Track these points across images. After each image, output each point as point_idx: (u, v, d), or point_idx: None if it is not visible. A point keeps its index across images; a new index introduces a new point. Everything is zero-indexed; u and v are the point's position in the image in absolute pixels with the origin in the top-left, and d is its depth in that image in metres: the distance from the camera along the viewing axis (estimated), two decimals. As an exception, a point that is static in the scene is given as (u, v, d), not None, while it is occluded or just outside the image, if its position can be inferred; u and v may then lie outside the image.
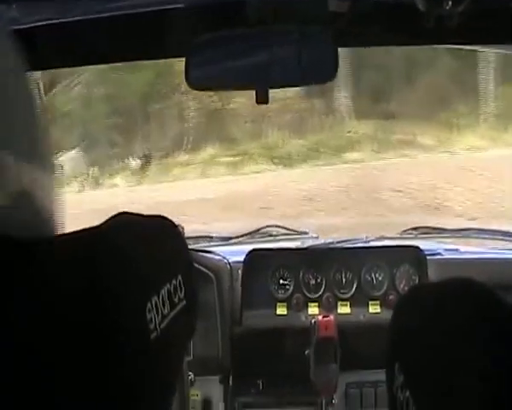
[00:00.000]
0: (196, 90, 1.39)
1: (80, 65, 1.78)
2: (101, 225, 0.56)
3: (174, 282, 0.60)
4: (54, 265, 0.47)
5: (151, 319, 0.53)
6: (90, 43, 1.38)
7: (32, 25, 1.21)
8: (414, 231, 2.29)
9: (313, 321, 1.94)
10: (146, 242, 0.59)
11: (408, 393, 0.63)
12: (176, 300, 0.60)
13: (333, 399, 1.97)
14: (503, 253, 2.22)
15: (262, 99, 1.34)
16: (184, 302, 0.62)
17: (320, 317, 1.94)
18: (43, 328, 0.44)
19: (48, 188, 0.58)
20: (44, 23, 1.24)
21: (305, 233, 2.34)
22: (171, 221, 0.66)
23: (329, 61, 1.29)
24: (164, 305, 0.57)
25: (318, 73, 1.34)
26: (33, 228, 0.53)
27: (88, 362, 0.45)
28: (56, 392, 0.43)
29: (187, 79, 1.29)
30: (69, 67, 1.55)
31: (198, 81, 1.33)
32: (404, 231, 2.30)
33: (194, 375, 1.82)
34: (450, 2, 1.13)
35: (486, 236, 2.29)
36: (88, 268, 0.48)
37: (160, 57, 1.64)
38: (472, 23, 1.19)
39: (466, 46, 1.55)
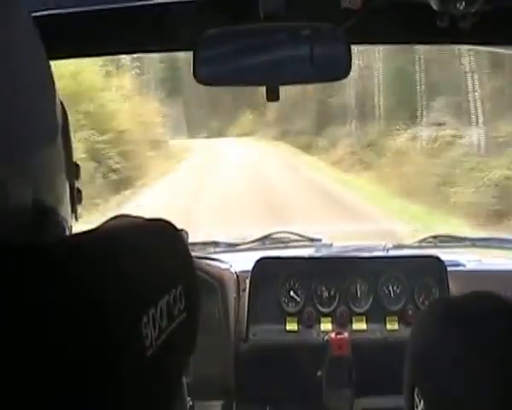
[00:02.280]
0: (203, 84, 1.53)
1: (89, 56, 1.93)
2: (98, 228, 0.60)
3: (174, 292, 0.61)
4: (46, 270, 0.47)
5: (147, 334, 0.53)
6: (100, 35, 1.55)
7: (48, 13, 1.36)
8: (433, 240, 2.43)
9: (326, 339, 2.07)
10: (144, 248, 0.60)
11: None
12: (175, 312, 0.60)
13: None
14: None
15: (272, 96, 1.51)
16: (184, 315, 0.62)
17: (333, 334, 2.07)
18: (33, 338, 0.44)
19: (62, 187, 0.63)
20: (56, 12, 1.40)
21: (319, 240, 2.47)
22: (173, 226, 0.67)
23: (342, 59, 1.45)
24: (162, 318, 0.57)
25: (331, 70, 1.50)
26: (42, 229, 0.57)
27: (74, 381, 0.45)
28: (43, 402, 0.44)
29: (194, 73, 1.44)
30: (79, 57, 1.72)
31: (206, 76, 1.48)
32: (423, 239, 2.45)
33: (193, 400, 1.79)
34: (463, 3, 1.29)
35: (507, 245, 2.42)
36: (80, 276, 0.48)
37: (168, 50, 1.82)
38: (486, 23, 1.33)
39: (479, 46, 1.70)
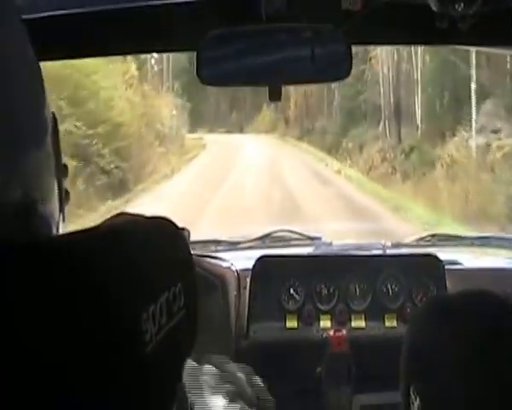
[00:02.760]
0: (207, 84, 1.56)
1: (92, 56, 1.95)
2: (99, 225, 0.61)
3: (174, 289, 0.61)
4: (48, 267, 0.48)
5: (147, 330, 0.54)
6: (103, 35, 1.57)
7: (46, 14, 1.38)
8: (431, 238, 2.46)
9: (325, 336, 2.10)
10: (145, 245, 0.61)
11: None
12: (175, 309, 0.61)
13: None
14: None
15: (275, 96, 1.53)
16: (184, 312, 0.63)
17: (332, 331, 2.10)
18: (34, 333, 0.45)
19: (52, 188, 0.64)
20: (56, 13, 1.42)
21: (318, 239, 2.51)
22: (174, 224, 0.68)
23: (343, 59, 1.47)
24: (161, 314, 0.57)
25: (331, 70, 1.53)
26: (32, 229, 0.58)
27: (74, 376, 0.46)
28: (41, 401, 0.45)
29: (198, 73, 1.46)
30: (82, 57, 1.74)
31: (209, 76, 1.51)
32: (422, 238, 2.48)
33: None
34: (462, 4, 1.31)
35: (506, 243, 2.45)
36: (82, 274, 0.49)
37: (171, 50, 1.84)
38: (484, 25, 1.34)
39: (478, 47, 1.72)
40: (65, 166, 0.71)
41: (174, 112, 25.27)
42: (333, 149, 22.50)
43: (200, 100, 34.67)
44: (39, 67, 0.63)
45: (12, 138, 0.55)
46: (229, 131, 35.45)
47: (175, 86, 29.50)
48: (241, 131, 36.09)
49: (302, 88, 22.61)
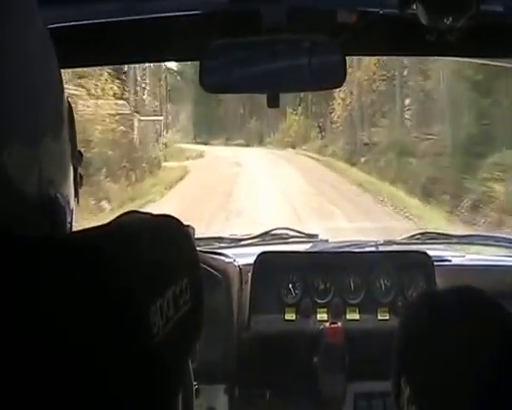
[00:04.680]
0: (209, 92, 1.60)
1: (99, 65, 1.99)
2: (111, 223, 0.62)
3: (180, 284, 0.62)
4: (61, 263, 0.49)
5: (155, 322, 0.55)
6: (109, 46, 1.61)
7: (60, 25, 1.41)
8: (421, 237, 2.51)
9: (321, 328, 2.15)
10: (153, 242, 0.61)
11: (414, 408, 0.68)
12: (181, 303, 0.62)
13: None
14: (508, 260, 2.44)
15: (273, 103, 1.57)
16: (190, 305, 0.64)
17: (328, 323, 2.15)
18: (46, 327, 0.46)
19: (68, 173, 0.66)
20: (65, 25, 1.45)
21: (315, 236, 2.56)
22: (179, 222, 0.69)
23: (338, 69, 1.51)
24: (169, 308, 0.58)
25: (327, 79, 1.57)
26: (43, 225, 0.60)
27: (86, 365, 0.47)
28: (52, 393, 0.45)
29: (201, 81, 1.51)
30: (88, 66, 1.78)
31: (212, 84, 1.56)
32: (412, 236, 2.53)
33: (199, 384, 1.76)
34: (450, 18, 1.35)
35: (492, 242, 2.50)
36: (94, 268, 0.50)
37: (176, 60, 1.88)
38: (472, 37, 1.39)
39: (467, 59, 1.76)
40: (80, 153, 0.73)
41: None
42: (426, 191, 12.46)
43: (215, 105, 29.53)
44: (60, 71, 0.66)
45: (32, 127, 0.58)
46: (244, 144, 27.96)
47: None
48: (261, 142, 28.16)
49: (355, 77, 17.39)
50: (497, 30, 1.48)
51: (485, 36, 1.48)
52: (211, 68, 1.53)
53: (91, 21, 1.50)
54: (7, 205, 0.54)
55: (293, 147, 25.63)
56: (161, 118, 21.69)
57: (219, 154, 23.26)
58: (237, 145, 27.92)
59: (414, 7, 1.34)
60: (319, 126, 24.99)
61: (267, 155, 23.21)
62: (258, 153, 23.99)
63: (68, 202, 0.65)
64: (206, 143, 28.56)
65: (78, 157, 0.72)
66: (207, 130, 30.86)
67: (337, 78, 1.54)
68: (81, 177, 0.73)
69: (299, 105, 26.29)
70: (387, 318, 2.25)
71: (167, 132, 24.18)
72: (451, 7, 1.34)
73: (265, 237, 2.57)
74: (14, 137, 0.55)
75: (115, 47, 1.60)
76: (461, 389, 0.62)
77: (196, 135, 31.07)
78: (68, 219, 0.66)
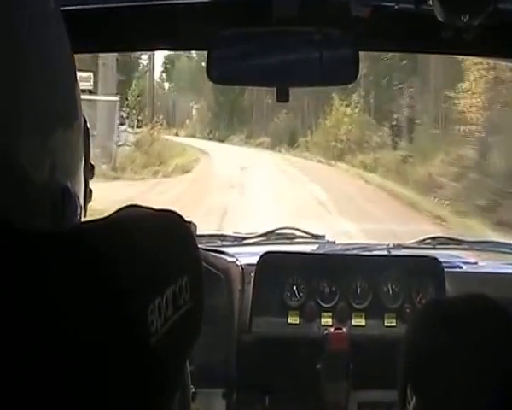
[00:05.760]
0: (216, 83, 1.58)
1: (104, 51, 1.97)
2: (110, 216, 0.61)
3: (180, 282, 0.61)
4: (56, 260, 0.48)
5: (152, 321, 0.54)
6: (116, 31, 1.59)
7: (65, 8, 1.40)
8: (432, 241, 2.46)
9: (325, 333, 2.11)
10: (153, 238, 0.61)
11: None
12: (181, 302, 0.61)
13: None
14: None
15: (282, 97, 1.54)
16: (189, 305, 0.63)
17: (332, 329, 2.11)
18: (41, 324, 0.45)
19: (77, 179, 0.64)
20: (71, 8, 1.42)
21: (322, 237, 2.52)
22: (181, 217, 0.68)
23: (350, 64, 1.49)
24: (167, 307, 0.58)
25: (339, 74, 1.54)
26: (53, 217, 0.58)
27: (81, 363, 0.47)
28: (46, 390, 0.45)
29: (208, 71, 1.48)
30: (93, 53, 1.76)
31: (219, 75, 1.53)
32: (422, 240, 2.49)
33: (196, 387, 1.78)
34: (467, 15, 1.31)
35: (504, 249, 2.46)
36: (91, 265, 0.49)
37: (183, 49, 1.86)
38: (489, 36, 1.35)
39: (483, 58, 1.72)
40: (92, 166, 0.72)
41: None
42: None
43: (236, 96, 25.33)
44: (74, 58, 0.64)
45: (44, 118, 0.56)
46: (269, 144, 22.93)
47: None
48: (292, 143, 22.15)
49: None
50: None
51: (503, 35, 1.45)
52: (218, 59, 1.51)
53: (97, 6, 1.47)
54: (17, 196, 0.53)
55: (341, 157, 17.95)
56: (116, 98, 16.94)
57: (220, 170, 16.45)
58: (259, 146, 23.18)
59: (430, 3, 1.31)
60: (393, 128, 16.69)
61: (298, 172, 16.32)
62: (283, 168, 17.33)
63: (78, 197, 0.64)
64: (222, 140, 25.44)
65: (90, 170, 0.71)
66: (226, 123, 27.24)
67: (349, 73, 1.52)
68: (90, 191, 0.72)
69: (355, 92, 19.04)
70: (394, 324, 2.21)
71: (138, 122, 20.31)
72: (469, 4, 1.31)
73: (270, 236, 2.54)
74: (25, 127, 0.53)
75: (121, 33, 1.58)
76: (477, 399, 0.60)
77: (214, 128, 27.66)
78: (78, 212, 0.65)
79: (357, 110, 19.43)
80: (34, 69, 0.54)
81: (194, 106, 29.22)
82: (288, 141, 22.63)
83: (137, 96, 20.37)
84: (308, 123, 22.35)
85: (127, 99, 19.22)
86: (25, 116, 0.53)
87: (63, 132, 0.59)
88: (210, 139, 25.81)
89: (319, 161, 18.83)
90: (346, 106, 19.30)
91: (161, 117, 22.38)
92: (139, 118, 20.63)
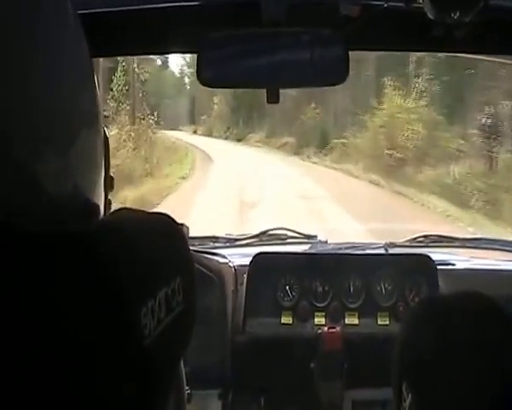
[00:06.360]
0: (207, 86, 1.57)
1: (94, 57, 1.97)
2: (102, 220, 0.63)
3: (173, 284, 0.61)
4: (49, 261, 0.49)
5: (146, 324, 0.54)
6: (105, 37, 1.57)
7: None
8: (424, 239, 2.47)
9: (319, 332, 2.12)
10: (145, 241, 0.61)
11: None
12: (173, 304, 0.61)
13: None
14: None
15: (272, 98, 1.54)
16: (182, 307, 0.63)
17: (326, 328, 2.12)
18: (34, 326, 0.46)
19: (97, 192, 0.64)
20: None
21: (314, 237, 2.52)
22: (173, 220, 0.68)
23: (340, 64, 1.48)
24: (160, 309, 0.58)
25: (329, 75, 1.53)
26: (81, 216, 0.59)
27: (74, 365, 0.47)
28: (41, 390, 0.45)
29: (198, 74, 1.47)
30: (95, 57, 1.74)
31: (209, 77, 1.52)
32: (414, 239, 2.50)
33: (191, 389, 1.75)
34: (458, 12, 1.31)
35: (497, 246, 2.47)
36: (84, 267, 0.50)
37: (174, 52, 1.85)
38: (480, 33, 1.35)
39: (474, 55, 1.73)
40: (112, 178, 0.74)
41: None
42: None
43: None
44: (92, 62, 0.64)
45: (65, 125, 0.56)
46: (295, 147, 18.81)
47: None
48: (323, 145, 17.16)
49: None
50: (506, 26, 1.44)
51: (495, 32, 1.45)
52: (209, 61, 1.50)
53: (87, 11, 1.46)
54: (37, 212, 0.53)
55: (403, 174, 12.05)
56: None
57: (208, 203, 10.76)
58: (281, 149, 19.15)
59: (420, 0, 1.31)
60: (487, 128, 11.30)
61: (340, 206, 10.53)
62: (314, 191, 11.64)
63: (99, 209, 0.65)
64: (239, 139, 22.85)
65: (109, 158, 0.73)
66: (246, 119, 24.25)
67: (340, 73, 1.51)
68: (110, 202, 0.74)
69: (418, 77, 13.69)
70: (387, 323, 2.22)
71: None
72: (459, 1, 1.30)
73: (262, 237, 2.55)
74: (45, 144, 0.53)
75: (112, 38, 1.57)
76: (473, 395, 0.61)
77: (233, 125, 24.90)
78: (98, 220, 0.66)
79: (422, 102, 13.81)
80: (52, 75, 0.54)
81: (215, 101, 26.64)
82: (318, 141, 17.65)
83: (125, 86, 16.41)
84: (341, 120, 17.12)
85: (112, 90, 15.78)
86: (43, 126, 0.53)
87: (83, 143, 0.59)
88: (226, 138, 23.56)
89: (372, 182, 12.25)
90: (403, 96, 14.00)
91: (152, 112, 17.89)
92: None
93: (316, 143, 18.02)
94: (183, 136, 22.47)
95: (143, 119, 16.71)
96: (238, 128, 24.25)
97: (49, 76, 0.53)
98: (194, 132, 28.17)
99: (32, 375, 0.44)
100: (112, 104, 15.48)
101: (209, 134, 26.33)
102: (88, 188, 0.60)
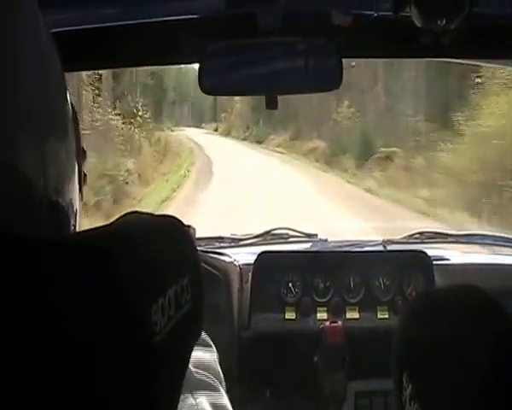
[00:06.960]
0: (208, 94, 1.62)
1: (97, 69, 2.01)
2: (113, 223, 0.62)
3: (181, 283, 0.62)
4: (61, 263, 0.49)
5: (156, 321, 0.55)
6: (107, 50, 1.64)
7: (59, 30, 1.42)
8: (420, 236, 2.53)
9: (321, 327, 2.18)
10: (154, 242, 0.62)
11: (417, 405, 0.68)
12: (182, 302, 0.62)
13: (342, 409, 2.17)
14: (507, 259, 2.46)
15: (271, 105, 1.60)
16: (191, 305, 0.64)
17: (328, 322, 2.18)
18: (45, 327, 0.46)
19: (71, 188, 0.67)
20: (63, 29, 1.46)
21: (315, 236, 2.58)
22: (180, 222, 0.69)
23: (334, 71, 1.54)
24: (170, 306, 0.59)
25: (323, 81, 1.59)
26: (48, 226, 0.60)
27: (86, 364, 0.47)
28: (49, 391, 0.45)
29: (200, 83, 1.54)
30: (85, 70, 1.79)
31: (210, 86, 1.58)
32: (411, 235, 2.56)
33: None
34: (444, 20, 1.37)
35: (490, 241, 2.53)
36: (96, 268, 0.50)
37: (175, 63, 1.90)
38: (465, 39, 1.41)
39: (461, 60, 1.78)
40: (84, 151, 0.75)
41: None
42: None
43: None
44: (63, 74, 0.68)
45: (39, 128, 0.59)
46: (327, 155, 14.86)
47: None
48: (367, 156, 12.97)
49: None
50: (490, 32, 1.50)
51: (479, 38, 1.51)
52: (209, 71, 1.56)
53: (89, 26, 1.52)
54: (12, 206, 0.55)
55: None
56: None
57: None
58: (307, 155, 15.74)
59: (408, 9, 1.36)
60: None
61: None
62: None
63: (73, 204, 0.67)
64: (260, 141, 20.37)
65: (82, 155, 0.74)
66: (267, 117, 21.40)
67: (334, 80, 1.56)
68: (85, 175, 0.76)
69: None
70: (387, 316, 2.27)
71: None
72: (445, 9, 1.36)
73: (265, 236, 2.60)
74: (21, 138, 0.57)
75: (113, 51, 1.63)
76: (466, 386, 0.62)
77: (253, 123, 22.24)
78: (72, 221, 0.68)
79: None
80: (28, 85, 0.58)
81: (236, 99, 23.64)
82: (359, 150, 12.94)
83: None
84: (386, 121, 12.71)
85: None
86: (20, 128, 0.57)
87: (56, 143, 0.63)
88: (244, 139, 20.89)
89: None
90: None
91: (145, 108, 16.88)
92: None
93: (355, 150, 13.77)
94: (190, 134, 21.42)
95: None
96: (258, 128, 21.61)
97: (24, 83, 0.57)
98: (215, 130, 27.64)
99: (38, 379, 0.44)
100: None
101: (227, 134, 24.74)
102: (62, 185, 0.64)
